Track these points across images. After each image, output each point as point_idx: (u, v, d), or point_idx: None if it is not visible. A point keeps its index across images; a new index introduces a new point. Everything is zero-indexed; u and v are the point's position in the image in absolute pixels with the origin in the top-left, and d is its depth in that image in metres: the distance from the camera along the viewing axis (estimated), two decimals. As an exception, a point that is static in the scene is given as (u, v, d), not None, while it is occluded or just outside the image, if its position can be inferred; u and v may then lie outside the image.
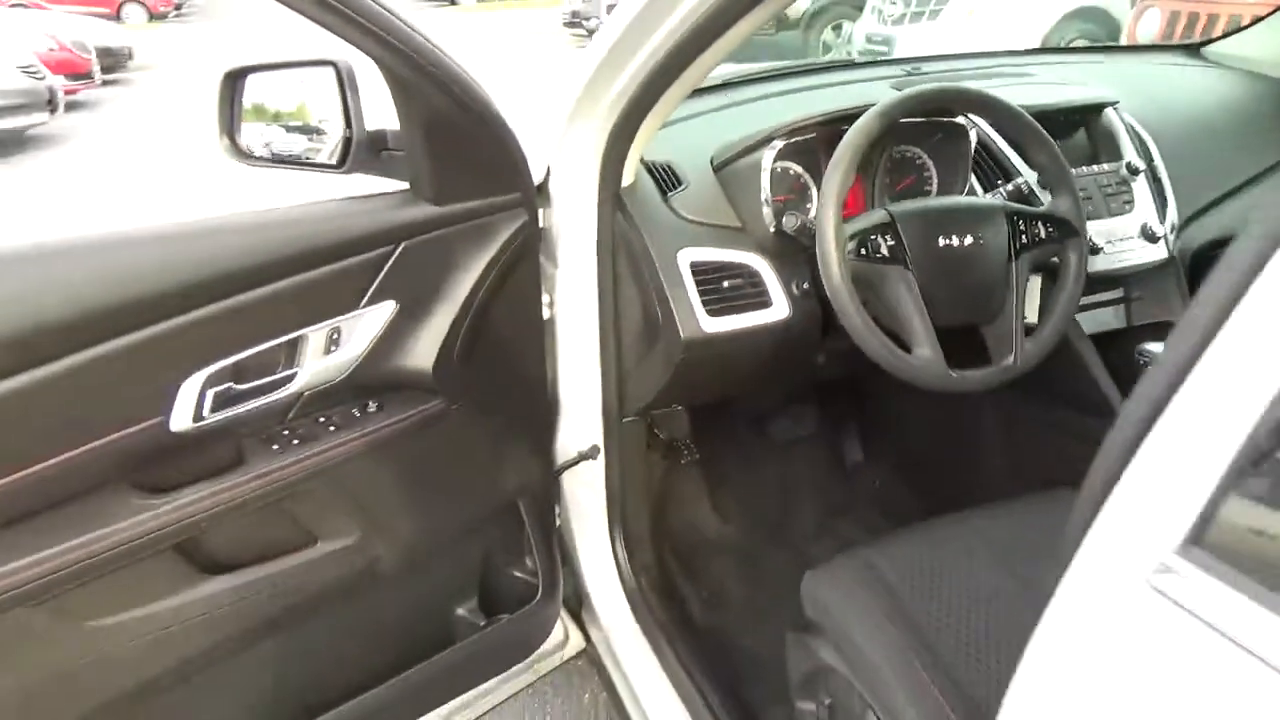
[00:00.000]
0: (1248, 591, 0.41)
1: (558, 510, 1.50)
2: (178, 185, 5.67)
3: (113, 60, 10.38)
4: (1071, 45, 5.55)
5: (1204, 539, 0.44)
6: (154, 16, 16.88)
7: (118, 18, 15.28)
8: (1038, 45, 5.87)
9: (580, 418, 1.41)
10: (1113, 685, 0.49)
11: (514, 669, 1.47)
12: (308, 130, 1.14)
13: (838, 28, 9.01)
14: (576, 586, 1.55)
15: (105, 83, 9.69)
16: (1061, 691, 0.54)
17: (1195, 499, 0.44)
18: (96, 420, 0.86)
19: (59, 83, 7.59)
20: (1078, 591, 0.52)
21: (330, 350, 1.01)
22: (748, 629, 1.58)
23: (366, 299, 1.01)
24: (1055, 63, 1.87)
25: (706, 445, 1.88)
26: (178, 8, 18.53)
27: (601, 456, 1.43)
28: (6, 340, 0.77)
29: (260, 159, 1.11)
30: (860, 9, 7.94)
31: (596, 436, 1.41)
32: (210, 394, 0.92)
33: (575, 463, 1.41)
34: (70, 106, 8.05)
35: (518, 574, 1.40)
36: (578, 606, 1.59)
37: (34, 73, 7.18)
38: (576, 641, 1.58)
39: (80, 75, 8.94)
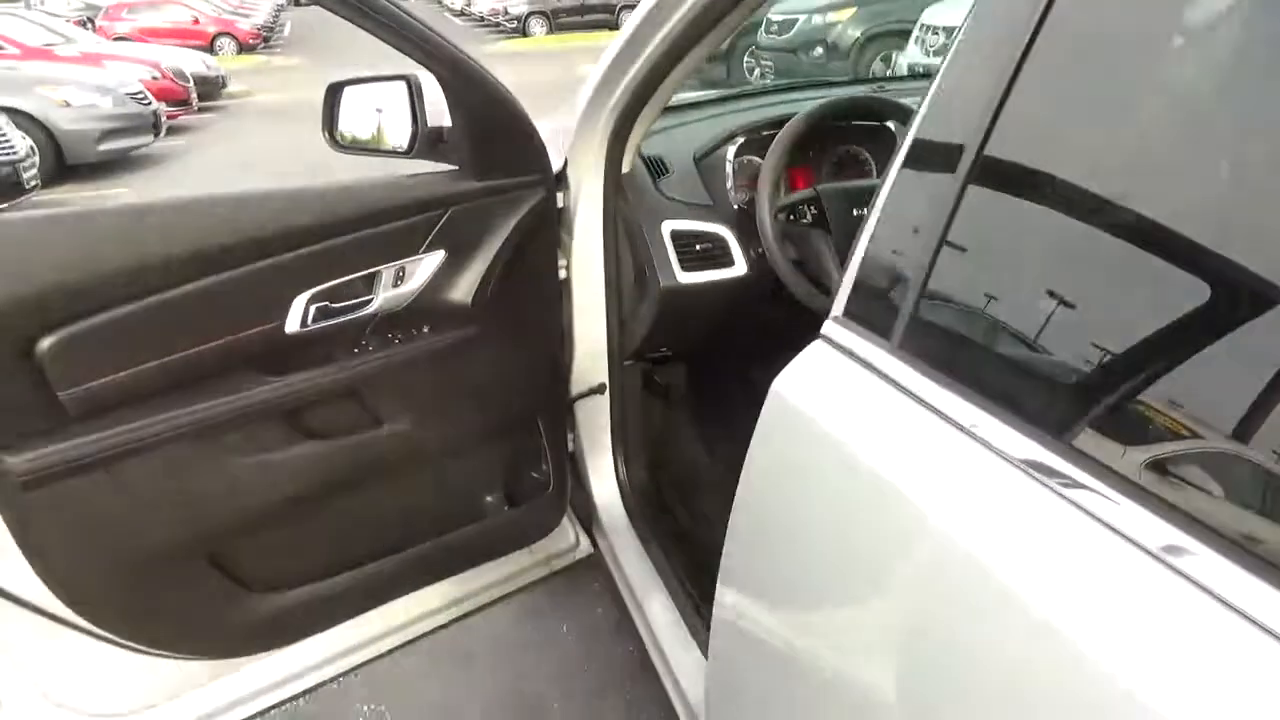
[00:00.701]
0: (868, 338, 0.76)
1: (572, 438, 1.86)
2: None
3: (208, 88, 11.14)
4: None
5: (850, 314, 0.79)
6: (244, 48, 18.03)
7: (211, 49, 16.35)
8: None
9: (591, 359, 1.76)
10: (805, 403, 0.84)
11: (531, 561, 1.84)
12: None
13: (887, 59, 9.34)
14: (586, 501, 1.91)
15: (201, 109, 10.48)
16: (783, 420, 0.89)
17: (844, 293, 0.79)
18: (239, 320, 1.23)
19: (162, 108, 8.35)
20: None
21: (397, 284, 1.36)
22: (722, 536, 1.91)
23: (424, 247, 1.37)
24: None
25: (697, 393, 2.22)
26: (265, 40, 19.74)
27: (608, 393, 1.79)
28: (188, 257, 1.16)
29: (352, 148, 1.52)
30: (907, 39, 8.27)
31: (603, 376, 1.78)
32: (313, 308, 1.28)
33: (586, 395, 1.78)
34: (171, 130, 8.76)
35: (535, 475, 1.75)
36: (588, 519, 1.95)
37: (141, 99, 7.93)
38: (585, 546, 1.94)
39: (180, 102, 9.73)
